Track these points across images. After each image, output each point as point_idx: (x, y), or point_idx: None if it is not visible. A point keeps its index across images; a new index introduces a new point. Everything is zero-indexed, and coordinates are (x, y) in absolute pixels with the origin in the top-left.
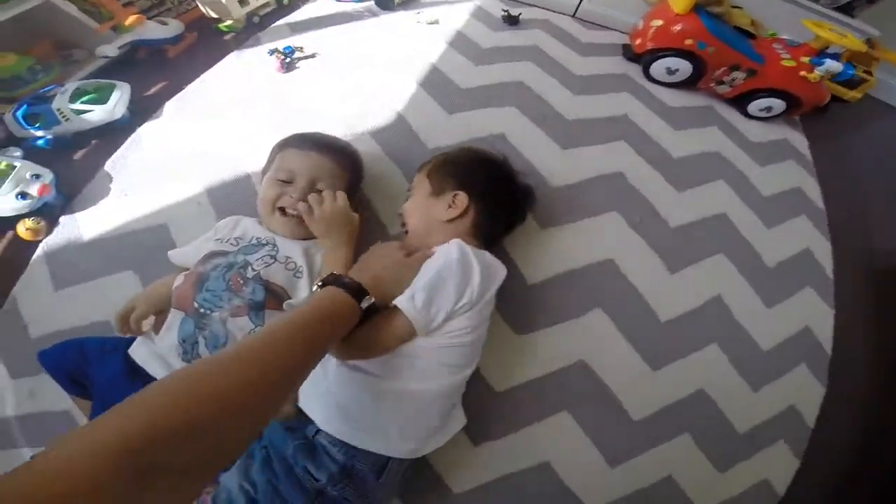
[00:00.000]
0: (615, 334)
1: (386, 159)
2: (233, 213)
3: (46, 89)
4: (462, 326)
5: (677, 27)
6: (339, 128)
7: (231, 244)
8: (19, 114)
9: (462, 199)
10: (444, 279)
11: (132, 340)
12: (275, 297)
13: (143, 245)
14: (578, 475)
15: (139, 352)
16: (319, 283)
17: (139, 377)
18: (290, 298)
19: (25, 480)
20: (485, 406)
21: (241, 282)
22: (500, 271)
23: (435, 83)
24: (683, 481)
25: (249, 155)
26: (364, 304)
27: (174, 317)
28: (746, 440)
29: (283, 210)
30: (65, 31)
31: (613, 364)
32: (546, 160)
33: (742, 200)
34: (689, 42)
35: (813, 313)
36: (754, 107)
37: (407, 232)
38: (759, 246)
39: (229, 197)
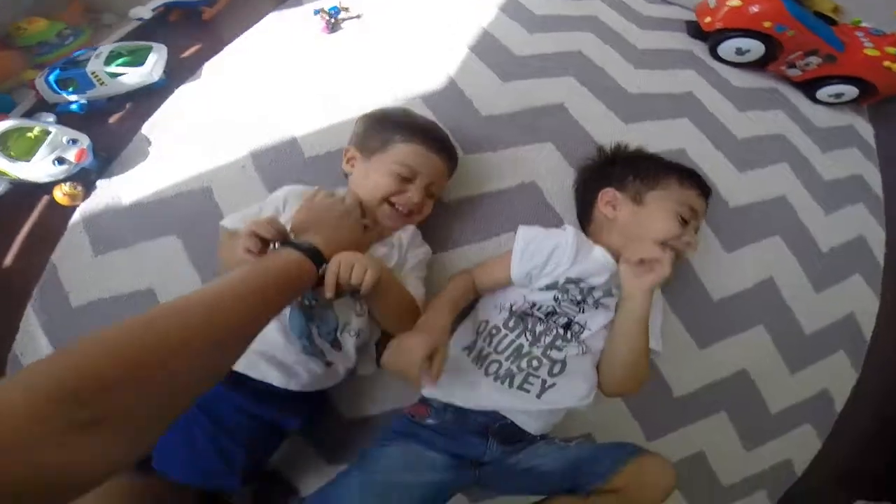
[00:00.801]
0: (667, 311)
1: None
2: (279, 179)
3: (78, 53)
4: None
5: (755, 8)
6: (388, 94)
7: None
8: (51, 78)
9: None
10: None
11: None
12: None
13: (185, 209)
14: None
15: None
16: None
17: (240, 385)
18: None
19: None
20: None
21: None
22: None
23: (487, 49)
24: (712, 457)
25: (295, 119)
26: (321, 270)
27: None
28: (777, 420)
29: (392, 204)
30: None
31: (663, 341)
32: (607, 133)
33: (803, 184)
34: (767, 24)
35: (859, 300)
36: (824, 92)
37: None
38: (815, 230)
39: (275, 163)
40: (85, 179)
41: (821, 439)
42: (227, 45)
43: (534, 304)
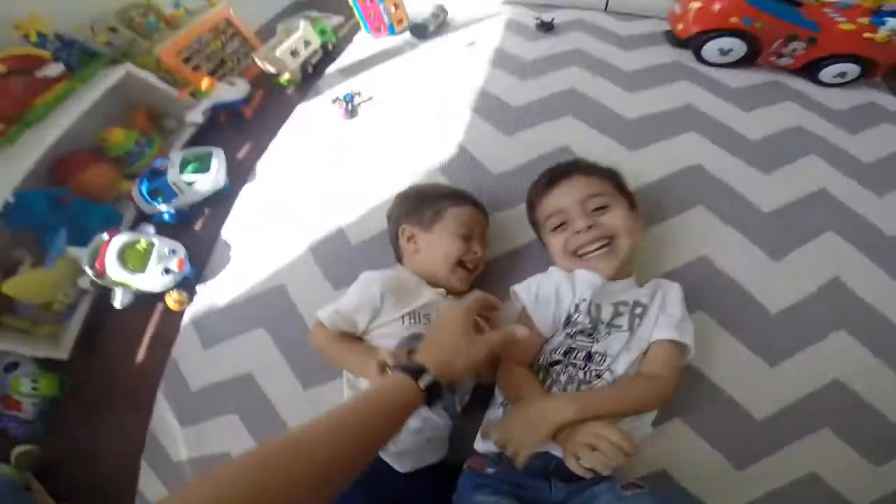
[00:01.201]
0: (722, 334)
1: None
2: (336, 268)
3: (157, 163)
4: None
5: (717, 6)
6: (409, 171)
7: (422, 320)
8: (143, 190)
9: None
10: None
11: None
12: None
13: (268, 305)
14: (703, 481)
15: (407, 463)
16: (390, 365)
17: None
18: None
19: None
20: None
21: None
22: None
23: (488, 107)
24: (831, 477)
25: (338, 209)
26: (423, 383)
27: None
28: None
29: (463, 264)
30: (153, 101)
31: (724, 365)
32: (616, 164)
33: (841, 172)
34: (733, 20)
35: None
36: (826, 74)
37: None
38: (873, 217)
39: (329, 254)
40: (187, 286)
41: None
42: (269, 140)
43: (553, 350)
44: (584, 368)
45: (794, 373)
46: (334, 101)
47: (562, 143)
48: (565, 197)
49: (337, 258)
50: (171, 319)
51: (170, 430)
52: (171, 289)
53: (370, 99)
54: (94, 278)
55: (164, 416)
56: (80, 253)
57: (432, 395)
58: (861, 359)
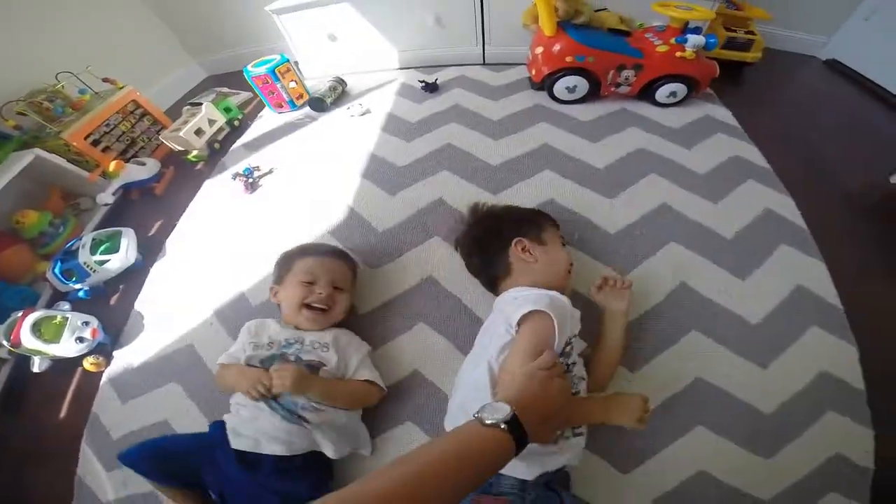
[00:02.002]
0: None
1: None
2: (237, 326)
3: (70, 244)
4: None
5: (556, 48)
6: (304, 234)
7: (267, 347)
8: (57, 271)
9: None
10: None
11: (214, 436)
12: (313, 369)
13: (178, 363)
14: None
15: (241, 443)
16: (503, 421)
17: (247, 463)
18: (324, 366)
19: None
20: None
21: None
22: None
23: (376, 170)
24: (719, 473)
25: (240, 276)
26: (519, 453)
27: (252, 406)
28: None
29: (308, 306)
30: (65, 183)
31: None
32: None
33: (679, 186)
34: (569, 59)
35: (797, 268)
36: (661, 95)
37: None
38: (711, 223)
39: (231, 316)
40: (104, 351)
41: None
42: (179, 215)
43: None
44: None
45: (655, 376)
46: (234, 177)
47: (436, 196)
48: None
49: (238, 317)
50: (90, 380)
51: (96, 474)
52: (87, 354)
53: (270, 172)
54: (11, 348)
55: (89, 462)
56: None
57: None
58: (714, 353)
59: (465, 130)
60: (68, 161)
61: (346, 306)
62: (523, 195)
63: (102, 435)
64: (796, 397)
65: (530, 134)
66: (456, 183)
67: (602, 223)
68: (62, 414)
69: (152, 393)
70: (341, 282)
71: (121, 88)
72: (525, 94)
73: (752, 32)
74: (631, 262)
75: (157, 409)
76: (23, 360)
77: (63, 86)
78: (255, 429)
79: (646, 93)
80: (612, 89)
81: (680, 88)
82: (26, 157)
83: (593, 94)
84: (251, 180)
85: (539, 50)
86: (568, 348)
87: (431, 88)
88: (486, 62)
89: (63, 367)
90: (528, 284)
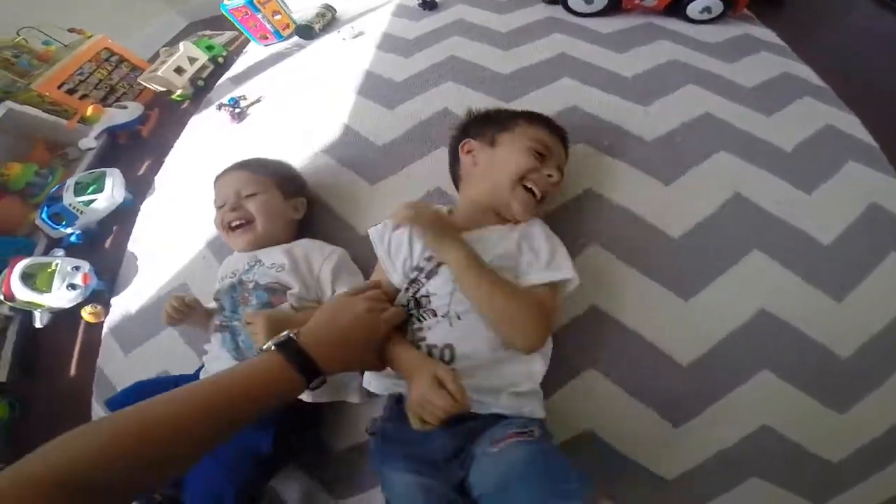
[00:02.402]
0: (623, 268)
1: (342, 168)
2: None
3: (55, 188)
4: None
5: None
6: (296, 158)
7: (230, 276)
8: (45, 216)
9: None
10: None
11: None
12: (275, 293)
13: None
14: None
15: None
16: (274, 343)
17: None
18: (288, 289)
19: None
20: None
21: (247, 294)
22: None
23: (372, 86)
24: (784, 428)
25: None
26: (313, 385)
27: (215, 338)
28: None
29: (228, 226)
30: (47, 133)
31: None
32: None
33: (724, 97)
34: None
35: (870, 185)
36: (693, 10)
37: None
38: (763, 135)
39: (225, 246)
40: (102, 300)
41: None
42: (167, 154)
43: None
44: (419, 317)
45: (712, 305)
46: (220, 108)
47: (441, 107)
48: (556, 147)
49: (229, 247)
50: (95, 331)
51: None
52: (86, 303)
53: (258, 100)
54: (5, 301)
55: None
56: None
57: (313, 385)
58: (781, 280)
59: (470, 42)
60: (45, 112)
61: (277, 207)
62: (542, 102)
63: (109, 389)
64: (877, 339)
65: (545, 44)
66: (462, 93)
67: (636, 130)
68: (72, 371)
69: (151, 341)
70: (247, 188)
71: (89, 37)
72: (535, 8)
73: None
74: (674, 171)
75: (158, 358)
76: (28, 318)
77: (26, 40)
78: (216, 370)
79: (674, 8)
80: (636, 1)
81: (715, 3)
82: None
83: (614, 7)
84: (238, 110)
85: None
86: (421, 277)
87: (430, 6)
88: None
89: (67, 322)
90: (471, 196)
